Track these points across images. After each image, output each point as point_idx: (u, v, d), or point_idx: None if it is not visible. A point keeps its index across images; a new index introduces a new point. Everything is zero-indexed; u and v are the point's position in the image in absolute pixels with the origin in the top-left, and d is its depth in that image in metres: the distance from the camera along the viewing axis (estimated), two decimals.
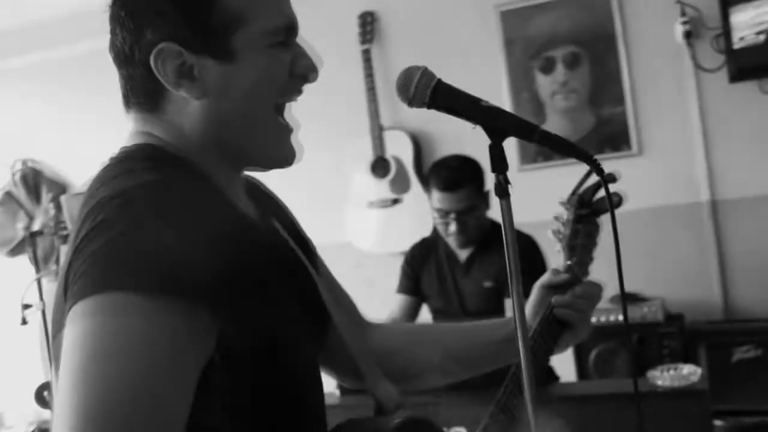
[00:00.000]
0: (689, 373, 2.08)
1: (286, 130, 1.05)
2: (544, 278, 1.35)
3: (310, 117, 4.22)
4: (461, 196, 2.68)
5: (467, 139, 4.14)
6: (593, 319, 3.37)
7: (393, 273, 3.08)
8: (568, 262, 1.37)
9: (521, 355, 0.99)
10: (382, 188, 3.71)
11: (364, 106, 3.68)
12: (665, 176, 3.40)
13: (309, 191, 3.91)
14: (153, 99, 0.98)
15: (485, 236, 2.81)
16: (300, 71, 1.02)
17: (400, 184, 3.69)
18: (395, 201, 3.69)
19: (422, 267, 2.89)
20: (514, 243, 1.01)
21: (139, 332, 0.77)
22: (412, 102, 1.02)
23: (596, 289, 1.34)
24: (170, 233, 0.81)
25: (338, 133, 3.81)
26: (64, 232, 2.64)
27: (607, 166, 3.49)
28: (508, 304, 2.72)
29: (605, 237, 1.41)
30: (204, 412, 0.82)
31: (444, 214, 2.72)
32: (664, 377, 2.08)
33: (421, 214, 3.16)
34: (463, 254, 2.82)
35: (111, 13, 0.99)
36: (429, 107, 1.02)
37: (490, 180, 2.80)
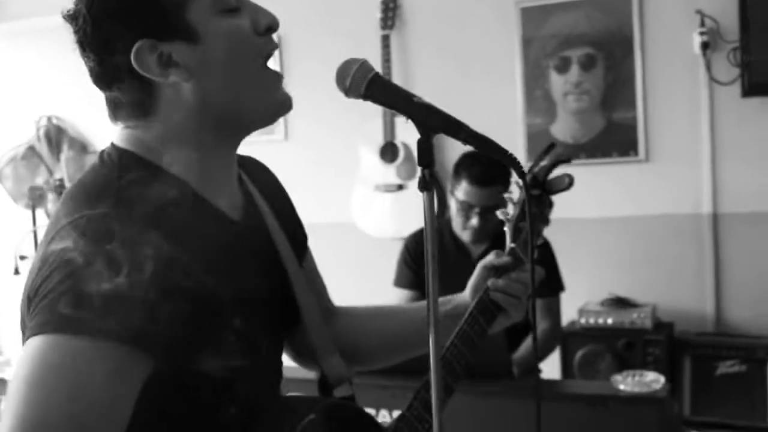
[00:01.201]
0: (652, 380, 2.10)
1: (276, 78, 1.11)
2: (486, 259, 1.39)
3: (325, 97, 4.26)
4: (491, 192, 2.66)
5: (478, 130, 4.14)
6: (582, 321, 3.39)
7: (391, 258, 3.12)
8: (512, 245, 1.39)
9: (431, 345, 1.03)
10: (389, 173, 3.76)
11: None
12: (670, 185, 3.40)
13: (318, 168, 3.98)
14: (144, 105, 1.04)
15: (499, 233, 2.81)
16: (262, 27, 1.07)
17: (407, 171, 3.73)
18: (400, 187, 3.73)
19: (425, 258, 2.90)
20: (435, 236, 1.05)
21: (75, 372, 0.87)
22: (348, 92, 1.06)
23: (526, 276, 1.35)
24: (111, 277, 0.90)
25: (351, 114, 3.86)
26: (61, 190, 2.72)
27: (614, 171, 3.51)
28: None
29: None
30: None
31: (468, 206, 2.71)
32: (626, 382, 2.10)
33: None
34: (476, 249, 2.81)
35: (78, 45, 1.04)
36: (365, 99, 1.06)
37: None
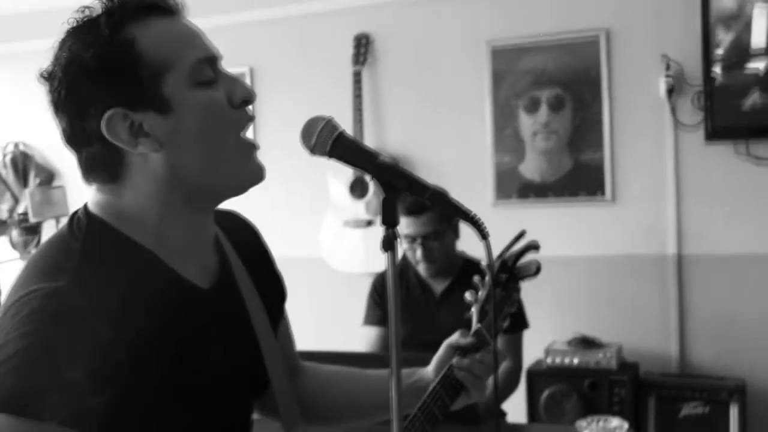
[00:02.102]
0: (615, 426, 2.11)
1: (249, 149, 1.09)
2: (452, 338, 1.41)
3: (296, 130, 4.27)
4: (425, 220, 2.75)
5: (446, 167, 4.19)
6: (548, 360, 3.40)
7: (360, 293, 3.12)
8: (478, 325, 1.42)
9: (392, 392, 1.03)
10: (358, 208, 3.76)
11: (350, 127, 3.73)
12: (635, 226, 3.44)
13: (288, 202, 3.97)
14: (114, 170, 1.04)
15: (459, 271, 2.85)
16: (237, 101, 1.07)
17: (377, 207, 3.74)
18: (369, 223, 3.74)
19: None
20: (398, 292, 1.05)
21: None
22: (313, 150, 1.07)
23: (490, 358, 1.38)
24: (58, 359, 0.90)
25: None
26: (25, 224, 2.69)
27: (581, 210, 3.54)
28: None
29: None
30: None
31: (411, 239, 2.79)
32: (591, 429, 2.11)
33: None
34: (438, 286, 2.87)
35: (52, 106, 1.04)
36: (330, 157, 1.07)
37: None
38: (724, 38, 3.15)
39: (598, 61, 3.45)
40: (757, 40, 3.12)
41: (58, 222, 4.31)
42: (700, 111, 3.26)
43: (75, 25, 1.02)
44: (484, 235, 1.04)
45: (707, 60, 3.18)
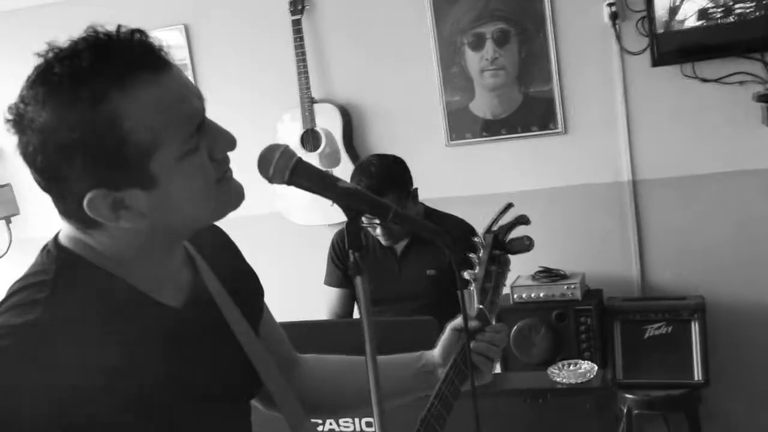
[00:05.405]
0: (586, 370, 2.17)
1: (227, 182, 1.07)
2: (456, 322, 1.42)
3: (238, 85, 4.15)
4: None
5: (397, 112, 4.13)
6: (515, 296, 3.45)
7: (321, 245, 3.11)
8: (480, 306, 1.43)
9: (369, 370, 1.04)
10: (312, 161, 3.71)
11: (294, 78, 3.65)
12: (589, 155, 3.47)
13: (237, 159, 3.89)
14: (91, 223, 1.00)
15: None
16: (220, 155, 1.04)
17: (331, 158, 3.69)
18: None
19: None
20: (370, 314, 1.04)
21: None
22: (271, 180, 1.04)
23: (504, 336, 1.42)
24: (23, 400, 0.90)
25: (269, 105, 3.79)
26: None
27: (534, 144, 3.54)
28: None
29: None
30: None
31: (369, 219, 2.73)
32: (562, 375, 2.17)
33: None
34: (399, 245, 2.87)
35: (22, 157, 0.98)
36: (289, 185, 1.04)
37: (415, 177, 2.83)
38: None
39: None
40: None
41: (8, 223, 4.19)
42: (645, 36, 3.25)
43: (50, 78, 0.94)
44: (451, 249, 1.02)
45: None
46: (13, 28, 4.08)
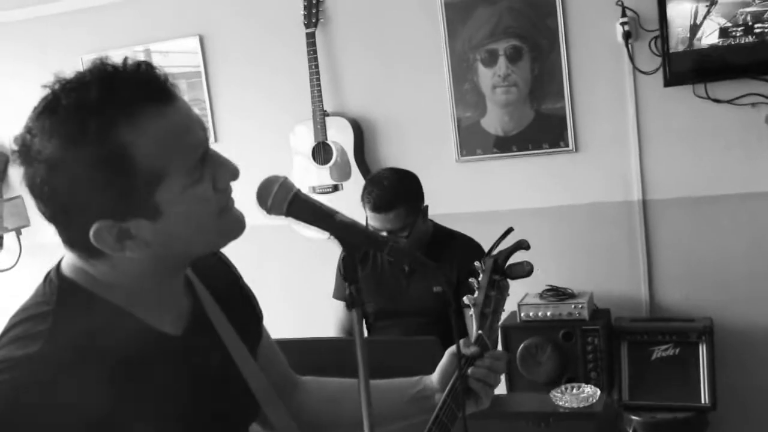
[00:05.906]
0: (589, 395, 2.16)
1: (229, 212, 1.08)
2: (455, 347, 1.40)
3: (252, 96, 4.16)
4: (392, 216, 2.68)
5: (408, 127, 4.13)
6: (521, 314, 3.44)
7: (329, 259, 3.12)
8: (479, 332, 1.43)
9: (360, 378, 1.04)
10: (323, 174, 3.73)
11: (307, 91, 3.67)
12: (600, 174, 3.46)
13: (249, 169, 3.91)
14: (95, 252, 1.01)
15: (429, 239, 2.84)
16: (223, 185, 1.05)
17: (342, 171, 3.71)
18: (335, 188, 3.71)
19: (359, 272, 2.91)
20: (365, 348, 1.05)
21: None
22: (270, 211, 1.05)
23: (503, 363, 1.42)
24: (21, 426, 0.91)
25: (282, 116, 3.81)
26: None
27: (545, 161, 3.53)
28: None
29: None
30: None
31: (377, 231, 2.71)
32: (564, 399, 2.16)
33: (360, 203, 3.18)
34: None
35: (27, 189, 0.99)
36: (287, 216, 1.05)
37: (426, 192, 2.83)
38: None
39: (554, 9, 3.40)
40: None
41: (19, 235, 4.23)
42: (658, 56, 3.24)
43: (57, 110, 0.94)
44: (449, 286, 1.03)
45: (662, 4, 3.14)
46: (36, 37, 4.12)
